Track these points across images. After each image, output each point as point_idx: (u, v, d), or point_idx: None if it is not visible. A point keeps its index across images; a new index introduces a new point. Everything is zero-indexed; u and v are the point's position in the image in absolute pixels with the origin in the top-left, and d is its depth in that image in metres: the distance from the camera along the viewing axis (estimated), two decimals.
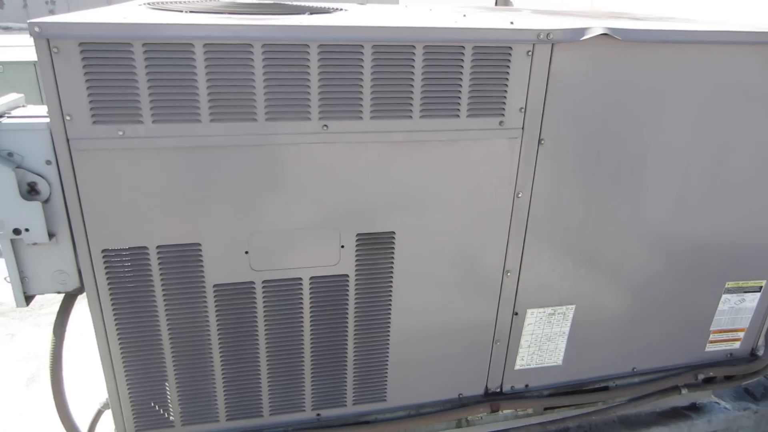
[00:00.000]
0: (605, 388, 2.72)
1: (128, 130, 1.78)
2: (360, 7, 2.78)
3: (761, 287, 2.68)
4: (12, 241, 1.92)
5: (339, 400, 2.38)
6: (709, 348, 2.77)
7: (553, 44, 1.99)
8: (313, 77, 1.84)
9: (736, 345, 2.81)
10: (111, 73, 1.71)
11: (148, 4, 2.37)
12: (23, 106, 2.04)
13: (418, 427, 2.53)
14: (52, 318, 2.14)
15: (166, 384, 2.18)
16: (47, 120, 1.78)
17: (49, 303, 4.50)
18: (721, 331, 2.73)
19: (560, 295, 2.42)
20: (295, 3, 2.75)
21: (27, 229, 1.88)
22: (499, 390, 2.57)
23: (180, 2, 2.48)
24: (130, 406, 2.18)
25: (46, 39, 1.63)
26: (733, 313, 2.70)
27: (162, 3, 2.41)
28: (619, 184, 2.27)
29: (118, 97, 1.74)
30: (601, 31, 1.99)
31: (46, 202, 1.88)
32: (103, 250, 1.92)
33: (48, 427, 3.24)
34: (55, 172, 1.86)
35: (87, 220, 1.87)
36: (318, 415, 2.38)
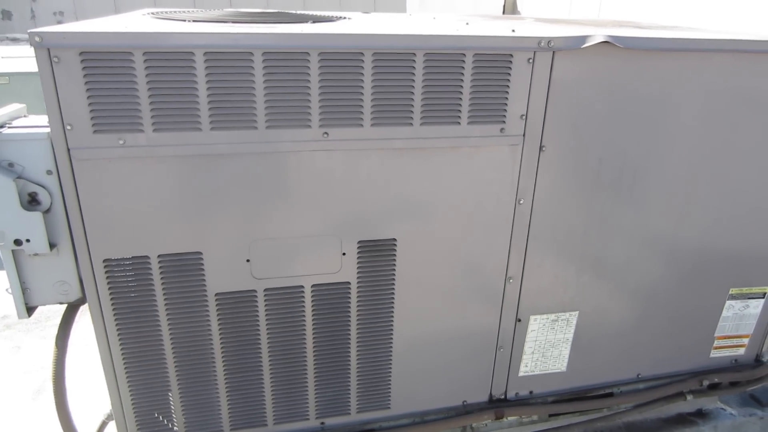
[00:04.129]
0: (610, 395, 2.70)
1: (129, 139, 1.78)
2: (364, 16, 2.78)
3: (765, 293, 2.66)
4: (13, 252, 1.92)
5: (343, 408, 2.37)
6: (714, 354, 2.76)
7: (554, 52, 1.99)
8: (313, 85, 1.84)
9: (741, 351, 2.79)
10: (112, 82, 1.71)
11: (152, 13, 2.38)
12: (24, 116, 2.04)
13: None
14: None
15: (170, 394, 2.17)
16: (48, 130, 1.78)
17: (55, 315, 4.50)
18: (725, 337, 2.72)
19: (563, 301, 2.41)
20: (300, 12, 2.75)
21: (28, 240, 1.88)
22: (503, 397, 2.56)
23: (184, 12, 2.49)
24: (134, 417, 2.17)
25: (47, 48, 1.64)
26: (738, 320, 2.68)
27: (165, 12, 2.42)
28: (621, 191, 2.26)
29: (119, 106, 1.74)
30: (601, 39, 1.98)
31: (47, 212, 1.88)
32: (105, 260, 1.92)
33: None
34: (55, 182, 1.86)
35: (88, 229, 1.87)
36: (322, 423, 2.37)
